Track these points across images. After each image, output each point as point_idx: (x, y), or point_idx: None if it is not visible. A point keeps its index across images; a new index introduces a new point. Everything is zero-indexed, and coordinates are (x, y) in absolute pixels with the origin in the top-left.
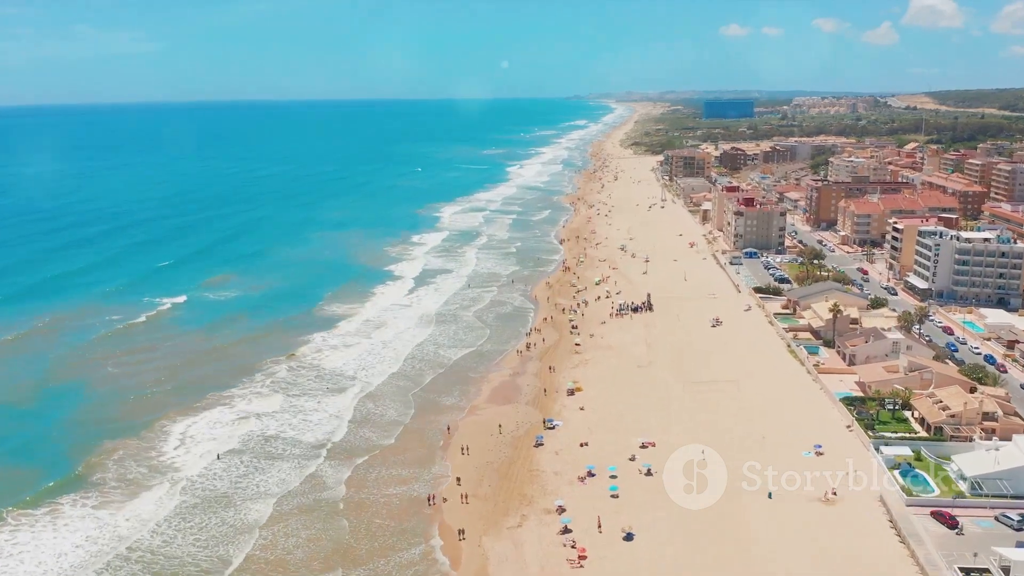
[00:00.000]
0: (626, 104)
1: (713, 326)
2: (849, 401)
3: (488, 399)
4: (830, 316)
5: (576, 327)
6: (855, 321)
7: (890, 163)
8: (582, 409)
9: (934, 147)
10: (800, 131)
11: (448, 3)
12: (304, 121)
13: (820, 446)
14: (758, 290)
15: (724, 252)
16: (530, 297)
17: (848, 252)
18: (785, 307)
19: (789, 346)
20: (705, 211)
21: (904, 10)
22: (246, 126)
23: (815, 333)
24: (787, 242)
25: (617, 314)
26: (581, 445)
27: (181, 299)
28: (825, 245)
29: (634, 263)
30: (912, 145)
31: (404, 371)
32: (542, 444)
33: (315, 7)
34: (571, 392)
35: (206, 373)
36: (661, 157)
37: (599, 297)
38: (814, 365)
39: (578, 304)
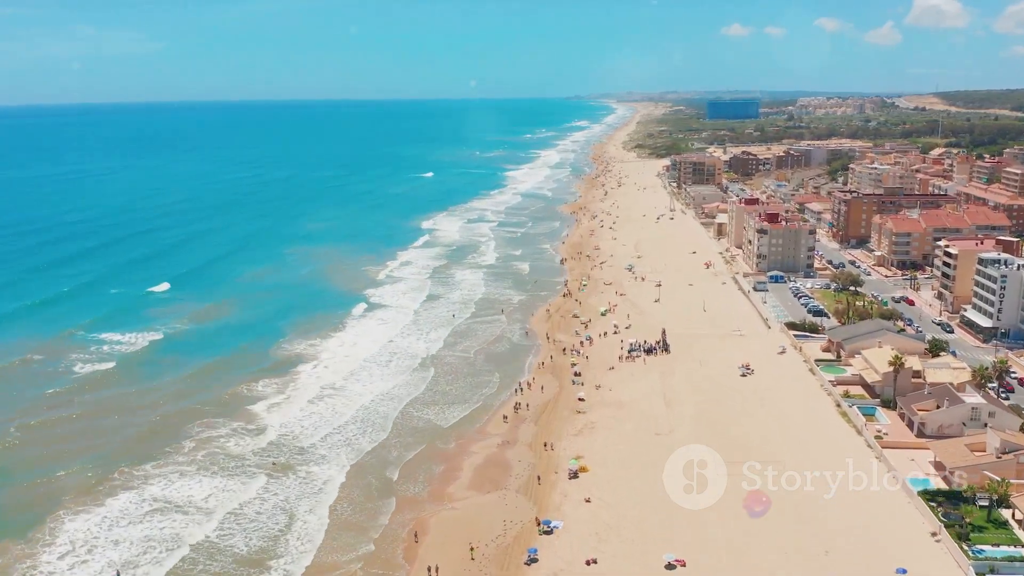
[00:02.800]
0: (627, 104)
1: (743, 375)
2: (930, 495)
3: (469, 484)
4: (889, 369)
5: (579, 375)
6: (917, 374)
7: (917, 171)
8: (588, 501)
9: (957, 151)
10: (810, 133)
11: (449, 3)
12: (307, 122)
13: (905, 571)
14: (791, 326)
15: (746, 275)
16: (527, 331)
17: (886, 276)
18: (826, 350)
19: (839, 406)
20: (720, 224)
21: (907, 10)
22: (249, 127)
23: (869, 389)
24: (816, 263)
25: (628, 356)
26: (587, 563)
27: (156, 336)
28: (859, 267)
29: (644, 288)
30: (938, 151)
31: (369, 441)
32: (536, 560)
33: (316, 7)
34: (574, 474)
35: (126, 441)
36: (666, 161)
37: (605, 333)
38: (875, 436)
39: (581, 342)
